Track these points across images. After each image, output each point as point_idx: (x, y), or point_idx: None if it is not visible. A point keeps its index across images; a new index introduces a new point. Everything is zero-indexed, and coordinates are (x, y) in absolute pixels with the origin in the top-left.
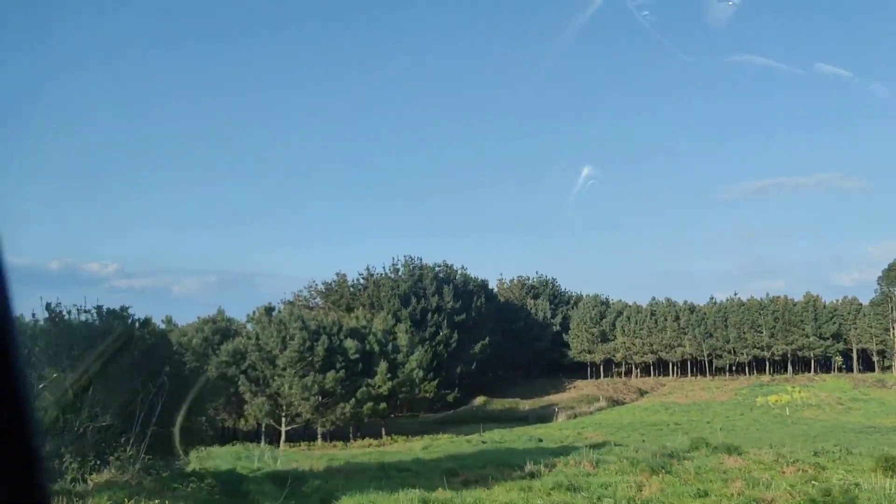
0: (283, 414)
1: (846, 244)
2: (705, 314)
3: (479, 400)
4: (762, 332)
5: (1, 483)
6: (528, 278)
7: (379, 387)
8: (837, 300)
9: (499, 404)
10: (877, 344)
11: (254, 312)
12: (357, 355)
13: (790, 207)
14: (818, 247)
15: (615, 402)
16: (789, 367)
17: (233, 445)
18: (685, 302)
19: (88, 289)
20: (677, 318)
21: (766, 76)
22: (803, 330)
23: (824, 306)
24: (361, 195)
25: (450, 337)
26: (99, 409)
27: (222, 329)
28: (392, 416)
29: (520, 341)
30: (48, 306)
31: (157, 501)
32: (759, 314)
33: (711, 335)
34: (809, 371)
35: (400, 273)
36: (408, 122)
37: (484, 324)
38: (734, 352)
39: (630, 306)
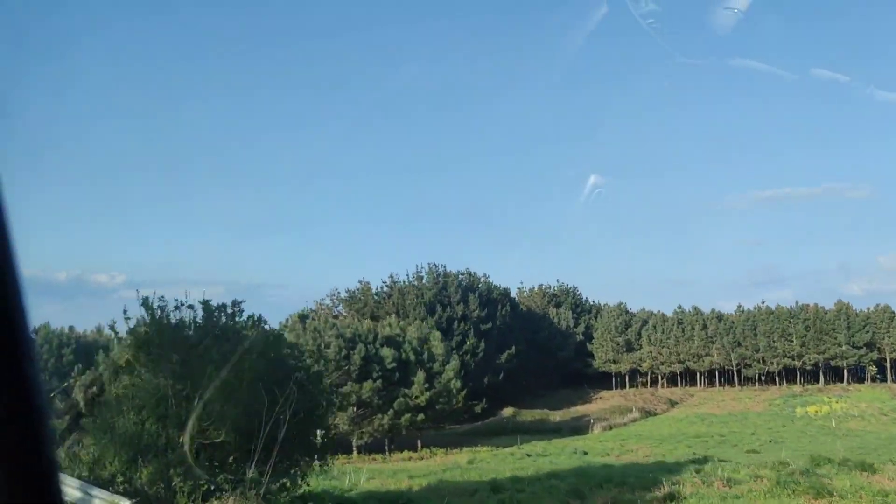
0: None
1: (853, 253)
2: (734, 322)
3: (507, 411)
4: (793, 341)
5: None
6: (549, 287)
7: (416, 397)
8: (870, 308)
9: (528, 415)
10: None
11: (287, 320)
12: (394, 364)
13: (797, 216)
14: (825, 256)
15: (647, 413)
16: (821, 377)
17: None
18: (713, 310)
19: (96, 299)
20: (705, 327)
21: (771, 83)
22: (835, 339)
23: (857, 314)
24: (368, 206)
25: (476, 346)
26: (212, 424)
27: None
28: (428, 427)
29: (543, 351)
30: (145, 301)
31: None
32: (790, 322)
33: (740, 344)
34: (842, 381)
35: (424, 281)
36: (416, 130)
37: (509, 333)
38: (764, 361)
39: (655, 315)
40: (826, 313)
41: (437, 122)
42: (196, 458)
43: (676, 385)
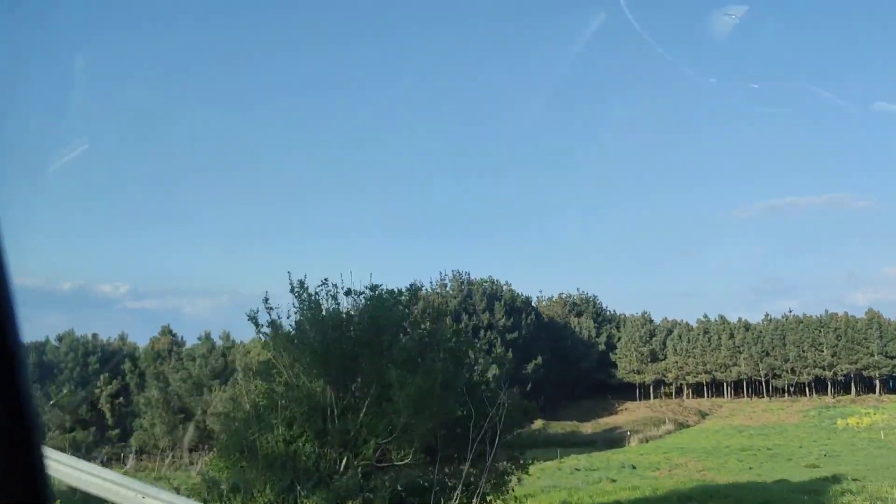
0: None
1: (859, 263)
2: (761, 332)
3: (537, 423)
4: (823, 351)
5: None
6: (570, 295)
7: None
8: None
9: (558, 427)
10: None
11: None
12: None
13: (802, 227)
14: (831, 266)
15: (679, 425)
16: (852, 388)
17: None
18: (739, 319)
19: (100, 310)
20: (732, 336)
21: (770, 91)
22: (867, 348)
23: (889, 323)
24: (367, 214)
25: (503, 356)
26: (393, 442)
27: None
28: None
29: (565, 361)
30: (301, 286)
31: None
32: (820, 332)
33: (769, 354)
34: (873, 392)
35: (448, 288)
36: (413, 137)
37: (534, 342)
38: (794, 371)
39: (680, 324)
40: (857, 322)
41: (447, 132)
42: (369, 486)
43: (702, 396)
